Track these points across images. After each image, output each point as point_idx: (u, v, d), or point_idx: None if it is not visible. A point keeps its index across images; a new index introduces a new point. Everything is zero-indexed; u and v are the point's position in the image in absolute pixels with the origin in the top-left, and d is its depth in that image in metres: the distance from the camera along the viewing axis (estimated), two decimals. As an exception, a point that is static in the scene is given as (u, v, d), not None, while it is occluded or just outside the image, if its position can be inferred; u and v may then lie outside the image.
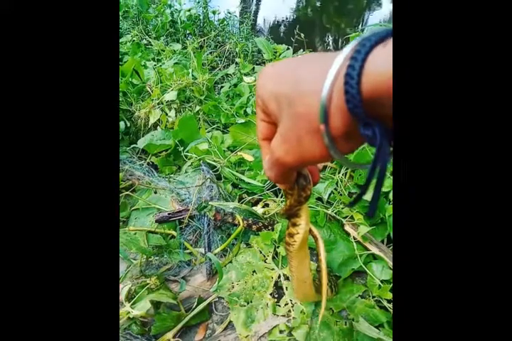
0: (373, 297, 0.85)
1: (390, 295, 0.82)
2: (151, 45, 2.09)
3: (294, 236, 0.43)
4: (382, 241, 0.95)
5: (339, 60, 0.21)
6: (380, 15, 3.86)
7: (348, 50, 0.21)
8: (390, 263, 0.87)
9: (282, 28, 3.55)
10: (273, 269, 0.92)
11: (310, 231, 0.45)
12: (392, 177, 0.97)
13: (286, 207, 0.39)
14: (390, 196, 0.94)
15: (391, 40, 0.20)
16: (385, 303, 0.83)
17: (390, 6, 4.09)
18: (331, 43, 3.23)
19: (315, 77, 0.22)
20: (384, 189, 0.95)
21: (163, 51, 1.96)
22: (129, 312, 0.75)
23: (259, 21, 3.62)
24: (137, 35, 2.24)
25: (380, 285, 0.84)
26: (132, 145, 1.29)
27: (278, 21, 3.62)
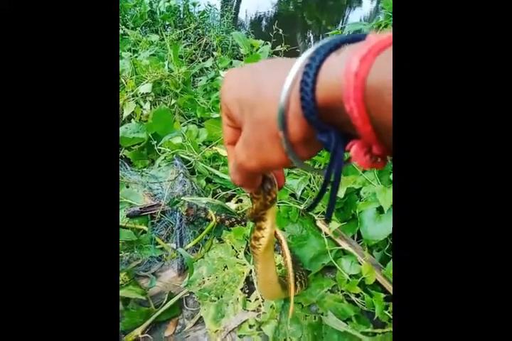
0: (342, 291, 0.87)
1: (357, 290, 0.84)
2: (128, 35, 2.03)
3: (259, 240, 0.43)
4: (353, 237, 0.96)
5: (296, 67, 0.21)
6: (361, 13, 3.90)
7: (304, 57, 0.21)
8: (359, 258, 0.89)
9: (264, 23, 3.53)
10: (244, 264, 0.92)
11: (275, 234, 0.45)
12: (363, 173, 0.98)
13: (252, 210, 0.39)
14: (361, 193, 0.96)
15: (346, 47, 0.20)
16: (353, 297, 0.85)
17: (371, 5, 4.14)
18: (312, 39, 3.25)
19: (274, 84, 0.22)
20: (356, 186, 0.97)
21: (140, 42, 1.92)
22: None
23: (241, 15, 3.59)
24: (113, 24, 2.17)
25: (348, 279, 0.86)
26: (105, 138, 1.25)
27: (260, 15, 3.60)
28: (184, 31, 2.29)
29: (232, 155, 0.30)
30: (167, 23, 2.50)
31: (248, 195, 1.06)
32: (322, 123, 0.21)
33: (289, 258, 0.50)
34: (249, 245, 0.47)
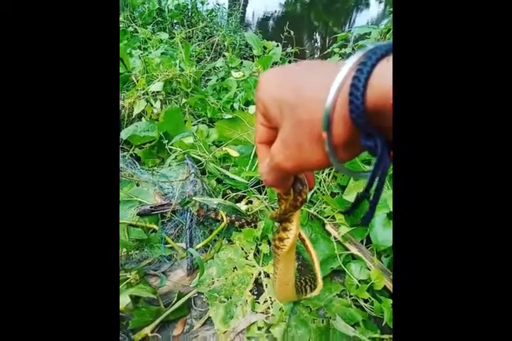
0: (350, 296, 0.87)
1: (366, 295, 0.84)
2: (137, 32, 2.03)
3: (284, 241, 0.43)
4: (362, 242, 0.97)
5: (344, 71, 0.21)
6: (368, 16, 3.90)
7: (352, 61, 0.21)
8: (369, 264, 0.89)
9: (271, 23, 3.53)
10: (254, 266, 0.93)
11: (299, 234, 0.45)
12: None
13: (280, 211, 0.39)
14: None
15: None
16: (362, 302, 0.85)
17: (378, 8, 4.14)
18: (318, 41, 3.24)
19: (318, 85, 0.23)
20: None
21: (150, 39, 1.92)
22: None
23: (248, 14, 3.58)
24: (123, 21, 2.17)
25: (357, 284, 0.86)
26: (115, 136, 1.25)
27: (267, 15, 3.59)
28: (193, 30, 2.28)
29: (264, 154, 0.30)
30: (175, 21, 2.50)
31: (258, 196, 1.06)
32: (369, 126, 0.21)
33: (314, 254, 0.50)
34: (272, 245, 0.47)
